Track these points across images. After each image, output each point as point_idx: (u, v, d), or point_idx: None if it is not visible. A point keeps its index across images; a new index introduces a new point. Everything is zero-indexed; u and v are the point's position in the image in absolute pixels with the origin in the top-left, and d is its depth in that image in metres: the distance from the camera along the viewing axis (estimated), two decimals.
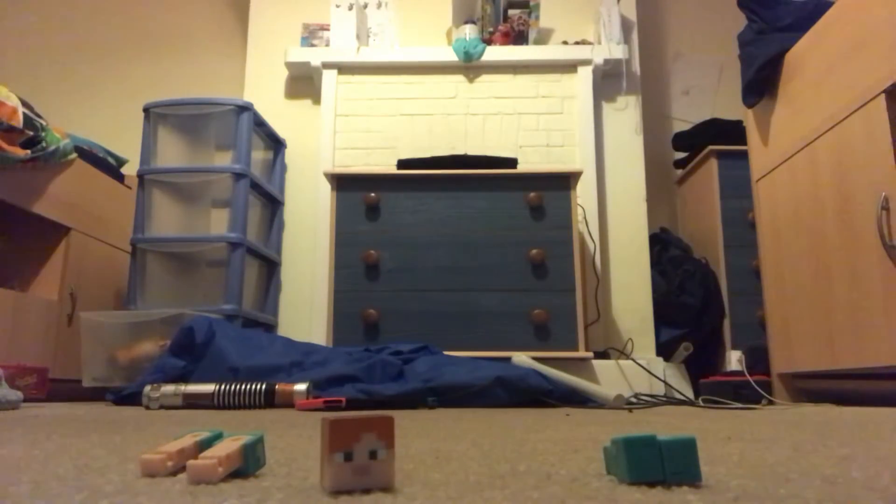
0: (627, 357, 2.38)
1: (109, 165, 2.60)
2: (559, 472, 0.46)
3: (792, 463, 0.51)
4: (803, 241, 1.89)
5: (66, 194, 2.28)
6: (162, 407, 1.48)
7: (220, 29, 3.31)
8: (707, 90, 3.25)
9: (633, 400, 1.82)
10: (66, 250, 2.28)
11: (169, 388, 1.49)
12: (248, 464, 0.44)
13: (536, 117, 2.73)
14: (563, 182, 2.24)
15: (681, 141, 2.93)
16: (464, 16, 2.78)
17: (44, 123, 2.14)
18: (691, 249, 2.77)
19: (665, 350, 2.52)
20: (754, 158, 2.20)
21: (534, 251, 2.17)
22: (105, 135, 3.03)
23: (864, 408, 1.58)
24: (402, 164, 2.31)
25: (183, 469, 0.45)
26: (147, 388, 1.50)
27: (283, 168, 2.81)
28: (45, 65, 3.10)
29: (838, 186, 1.72)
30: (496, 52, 2.74)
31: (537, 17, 2.81)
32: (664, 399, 1.87)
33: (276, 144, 2.78)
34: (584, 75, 2.72)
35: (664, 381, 2.16)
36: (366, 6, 2.88)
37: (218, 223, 2.49)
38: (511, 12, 2.80)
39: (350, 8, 2.76)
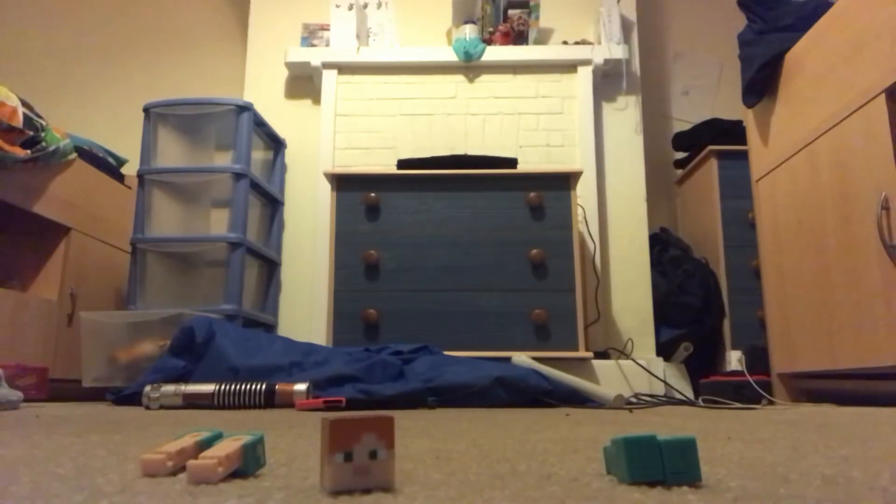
0: (627, 357, 2.38)
1: (109, 165, 2.60)
2: (559, 472, 0.46)
3: (792, 463, 0.51)
4: (803, 241, 1.89)
5: (66, 194, 2.28)
6: (162, 407, 1.48)
7: (220, 29, 3.31)
8: (707, 90, 3.25)
9: (633, 400, 1.82)
10: (66, 250, 2.28)
11: (169, 388, 1.49)
12: (248, 464, 0.44)
13: (536, 117, 2.72)
14: (563, 182, 2.24)
15: (681, 141, 2.93)
16: (464, 16, 2.78)
17: (44, 123, 2.14)
18: (691, 249, 2.77)
19: (665, 350, 2.52)
20: (754, 158, 2.20)
21: (534, 251, 2.17)
22: (105, 135, 3.03)
23: (864, 408, 1.58)
24: (402, 164, 2.31)
25: (183, 469, 0.45)
26: (147, 388, 1.50)
27: (283, 168, 2.81)
28: (45, 65, 3.10)
29: (838, 186, 1.72)
30: (496, 52, 2.74)
31: (537, 17, 2.81)
32: (664, 399, 1.87)
33: (276, 144, 2.78)
34: (584, 75, 2.72)
35: (664, 381, 2.16)
36: (366, 6, 2.88)
37: (218, 223, 2.49)
38: (511, 12, 2.80)
39: (350, 8, 2.76)
